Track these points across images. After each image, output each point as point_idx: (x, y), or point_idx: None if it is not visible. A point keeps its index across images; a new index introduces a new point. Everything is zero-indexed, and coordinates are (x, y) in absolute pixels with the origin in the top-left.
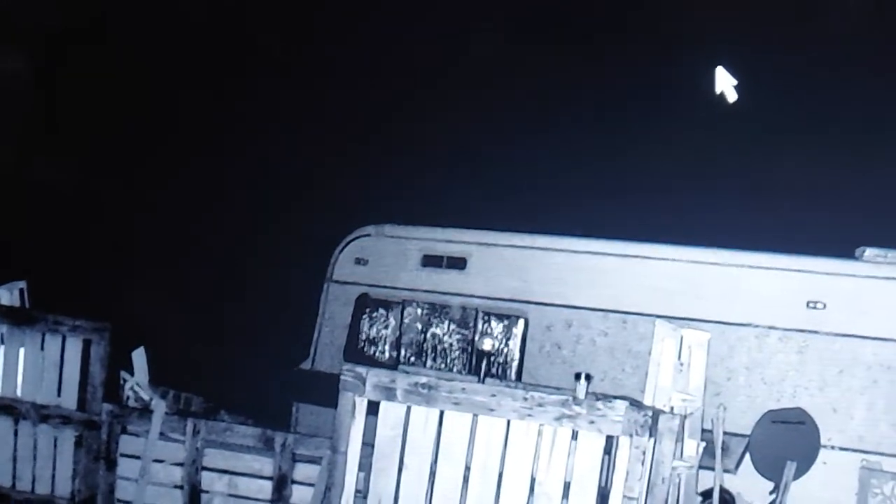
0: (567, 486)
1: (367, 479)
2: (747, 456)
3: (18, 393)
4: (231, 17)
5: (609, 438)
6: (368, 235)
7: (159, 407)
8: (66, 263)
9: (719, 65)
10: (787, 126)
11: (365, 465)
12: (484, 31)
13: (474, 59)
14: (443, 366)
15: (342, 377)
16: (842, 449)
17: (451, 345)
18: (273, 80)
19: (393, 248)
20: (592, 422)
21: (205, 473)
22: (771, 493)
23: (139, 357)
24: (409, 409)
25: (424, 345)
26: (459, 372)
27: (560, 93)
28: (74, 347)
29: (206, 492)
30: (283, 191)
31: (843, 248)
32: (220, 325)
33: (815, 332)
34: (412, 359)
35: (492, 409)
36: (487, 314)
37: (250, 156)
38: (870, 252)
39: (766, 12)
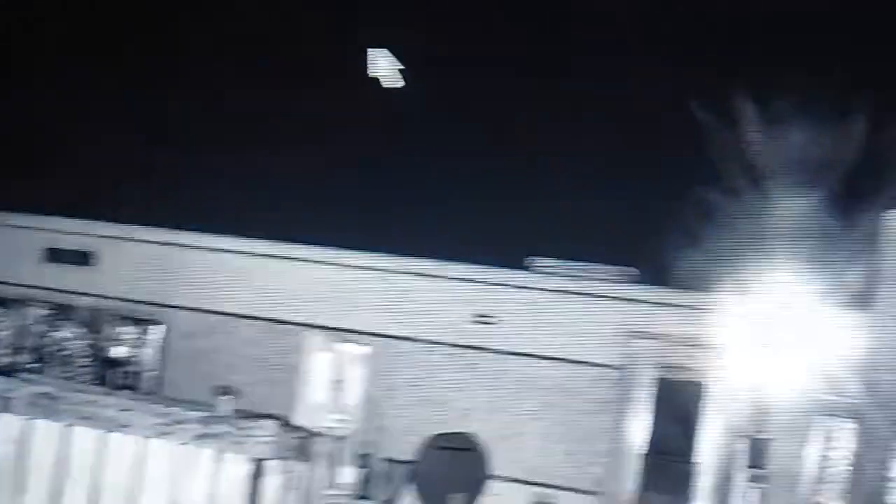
0: None
1: None
2: (410, 485)
3: None
4: None
5: (256, 461)
6: None
7: None
8: None
9: (383, 48)
10: (454, 120)
11: None
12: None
13: None
14: (69, 374)
15: None
16: (513, 480)
17: (77, 351)
18: None
19: (11, 239)
20: (238, 442)
21: None
22: None
23: None
24: (28, 422)
25: (47, 350)
26: (88, 382)
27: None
28: None
29: None
30: None
31: (513, 256)
32: None
33: (484, 348)
34: (32, 365)
35: (125, 426)
36: (120, 317)
37: None
38: (540, 262)
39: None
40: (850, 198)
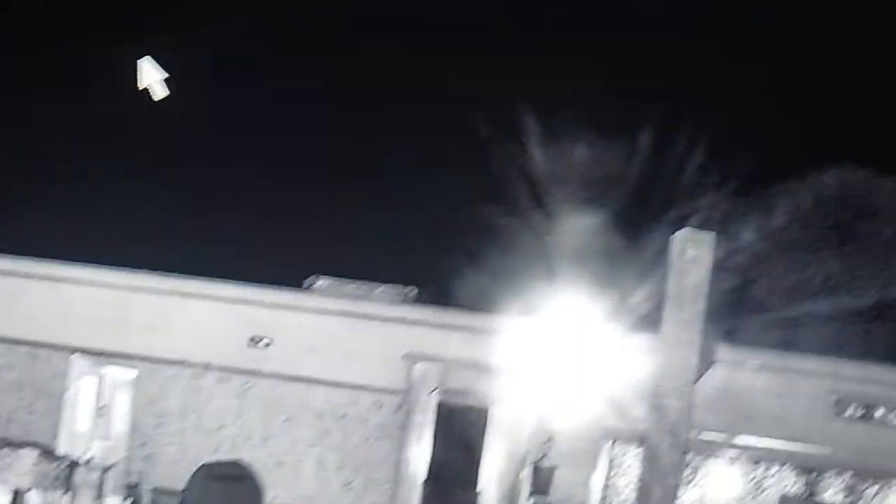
0: None
1: None
2: None
3: None
4: None
5: (15, 492)
6: None
7: None
8: None
9: (145, 56)
10: (230, 131)
11: None
12: None
13: None
14: None
15: None
16: None
17: None
18: None
19: None
20: None
21: None
22: None
23: None
24: None
25: None
26: None
27: None
28: None
29: None
30: None
31: (292, 276)
32: None
33: (259, 372)
34: None
35: None
36: None
37: None
38: (322, 282)
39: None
40: (638, 218)
